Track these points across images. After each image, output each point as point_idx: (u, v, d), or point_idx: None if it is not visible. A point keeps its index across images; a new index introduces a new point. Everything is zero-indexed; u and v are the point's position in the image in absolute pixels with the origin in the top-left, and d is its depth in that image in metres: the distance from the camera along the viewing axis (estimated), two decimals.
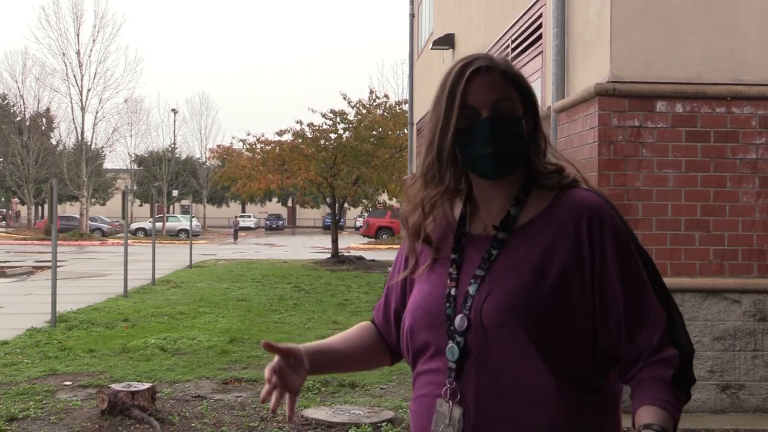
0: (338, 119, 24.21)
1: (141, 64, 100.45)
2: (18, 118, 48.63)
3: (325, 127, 24.31)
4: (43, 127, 48.95)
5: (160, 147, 58.23)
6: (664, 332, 1.58)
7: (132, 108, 51.29)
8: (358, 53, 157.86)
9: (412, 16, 19.96)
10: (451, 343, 1.60)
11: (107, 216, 56.21)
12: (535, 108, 1.70)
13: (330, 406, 6.32)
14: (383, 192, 26.38)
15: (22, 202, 55.45)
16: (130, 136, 53.04)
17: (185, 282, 17.28)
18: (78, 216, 45.60)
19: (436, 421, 1.59)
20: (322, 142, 24.19)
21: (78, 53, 43.87)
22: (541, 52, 7.98)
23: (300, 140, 24.28)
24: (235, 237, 46.98)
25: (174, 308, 12.55)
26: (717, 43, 6.14)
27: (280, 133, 24.99)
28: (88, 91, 43.69)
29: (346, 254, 26.22)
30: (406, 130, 22.38)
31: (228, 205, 68.37)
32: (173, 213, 63.42)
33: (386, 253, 30.61)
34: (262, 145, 25.56)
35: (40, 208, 61.80)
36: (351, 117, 24.32)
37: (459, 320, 1.60)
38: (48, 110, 49.74)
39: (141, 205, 62.56)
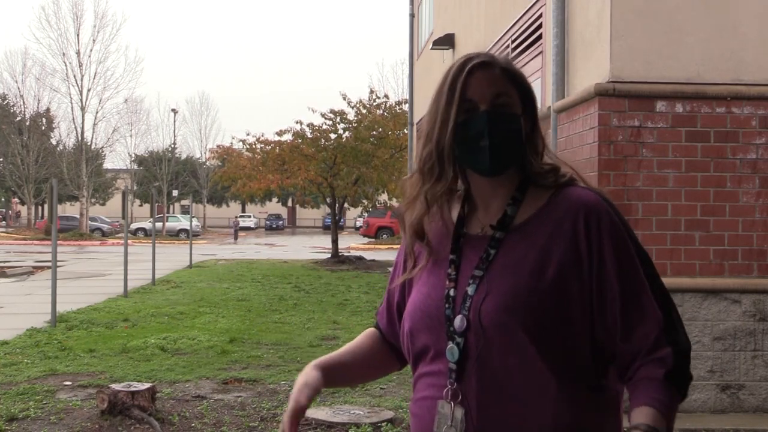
0: (338, 119, 24.21)
1: (141, 64, 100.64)
2: (18, 118, 48.63)
3: (325, 127, 24.31)
4: (43, 127, 48.95)
5: (160, 147, 58.31)
6: (661, 331, 1.58)
7: (132, 108, 51.36)
8: (358, 53, 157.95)
9: (412, 16, 19.96)
10: (450, 344, 1.60)
11: (107, 216, 56.21)
12: (534, 108, 1.70)
13: (330, 406, 6.32)
14: (383, 192, 26.38)
15: (22, 202, 55.47)
16: (130, 136, 53.12)
17: (185, 282, 17.28)
18: (78, 216, 45.60)
19: (438, 422, 1.59)
20: (322, 142, 24.19)
21: (78, 53, 43.91)
22: (541, 52, 7.99)
23: (300, 140, 24.28)
24: (236, 237, 46.98)
25: (174, 308, 12.55)
26: (717, 43, 6.14)
27: (280, 133, 25.00)
28: (88, 91, 43.73)
29: (346, 254, 26.22)
30: (406, 130, 22.38)
31: (228, 205, 68.38)
32: (173, 213, 63.42)
33: (386, 253, 30.61)
34: (262, 145, 25.56)
35: (40, 208, 61.80)
36: (351, 117, 24.33)
37: (458, 321, 1.60)
38: (48, 110, 49.78)
39: (141, 205, 62.56)
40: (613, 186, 5.96)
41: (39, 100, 49.16)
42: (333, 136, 24.22)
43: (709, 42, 6.14)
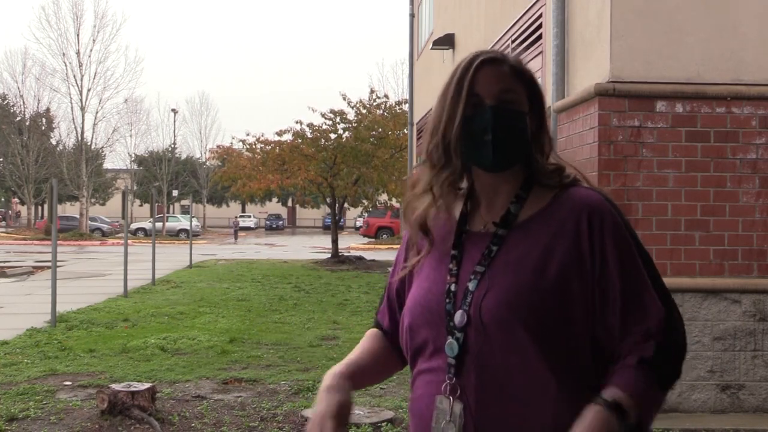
0: (338, 119, 24.21)
1: (141, 64, 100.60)
2: (18, 118, 48.63)
3: (325, 127, 24.31)
4: (43, 127, 48.94)
5: (160, 147, 58.30)
6: (656, 329, 1.57)
7: (132, 108, 51.35)
8: (358, 53, 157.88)
9: (412, 16, 19.97)
10: (450, 339, 1.60)
11: (107, 216, 56.22)
12: (542, 107, 1.71)
13: None
14: (383, 192, 26.38)
15: (22, 202, 55.46)
16: (130, 136, 53.10)
17: (185, 282, 17.28)
18: (78, 216, 45.60)
19: (436, 417, 1.59)
20: (322, 142, 24.18)
21: (78, 53, 43.89)
22: (541, 52, 7.98)
23: (300, 140, 24.28)
24: (236, 237, 46.99)
25: (174, 308, 12.55)
26: (717, 43, 6.14)
27: (280, 133, 25.00)
28: (88, 91, 43.72)
29: (346, 254, 26.23)
30: (406, 130, 22.38)
31: (228, 205, 68.38)
32: (173, 213, 63.42)
33: (386, 253, 30.61)
34: (262, 145, 25.56)
35: (40, 208, 61.81)
36: (351, 117, 24.33)
37: (459, 316, 1.60)
38: (48, 110, 49.77)
39: (141, 205, 62.58)
40: (613, 186, 5.96)
41: (39, 100, 49.23)
42: (333, 136, 24.22)
43: (709, 42, 6.14)
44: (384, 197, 27.93)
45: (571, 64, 7.00)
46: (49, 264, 12.69)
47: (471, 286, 1.61)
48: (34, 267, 21.73)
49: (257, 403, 6.46)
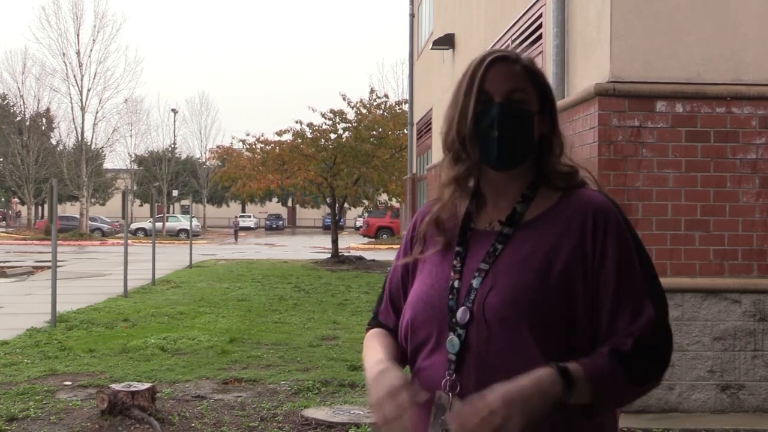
0: (338, 119, 24.20)
1: (141, 64, 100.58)
2: (18, 118, 48.63)
3: (324, 127, 24.31)
4: (43, 127, 48.94)
5: (160, 147, 58.32)
6: (641, 333, 1.56)
7: (132, 108, 51.35)
8: (358, 53, 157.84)
9: (412, 16, 19.98)
10: (451, 335, 1.60)
11: (107, 216, 56.22)
12: (553, 109, 1.72)
13: (330, 406, 6.33)
14: (383, 192, 26.38)
15: (22, 202, 55.46)
16: (130, 136, 53.11)
17: (185, 282, 17.28)
18: (78, 216, 45.61)
19: (435, 412, 1.59)
20: (322, 142, 24.18)
21: (78, 53, 43.89)
22: (541, 52, 7.98)
23: (300, 140, 24.28)
24: (236, 237, 47.00)
25: (174, 308, 12.55)
26: (717, 43, 6.14)
27: (280, 133, 24.99)
28: (88, 91, 43.72)
29: (346, 254, 26.22)
30: (406, 130, 22.39)
31: (228, 205, 68.40)
32: (173, 213, 63.44)
33: (386, 253, 30.61)
34: (262, 145, 25.56)
35: (40, 208, 61.80)
36: (350, 117, 24.32)
37: (461, 313, 1.61)
38: (48, 110, 49.77)
39: (141, 205, 62.57)
40: (613, 186, 5.96)
41: (39, 100, 49.23)
42: (333, 136, 24.21)
43: (709, 42, 6.13)
44: (384, 197, 27.92)
45: (571, 64, 7.00)
46: (49, 264, 12.69)
47: (475, 283, 1.62)
48: (34, 267, 21.73)
49: (257, 403, 6.46)
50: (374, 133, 24.04)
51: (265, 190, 25.57)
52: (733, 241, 6.08)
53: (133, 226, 48.91)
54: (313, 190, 25.76)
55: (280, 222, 70.08)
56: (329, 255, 25.76)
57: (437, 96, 15.38)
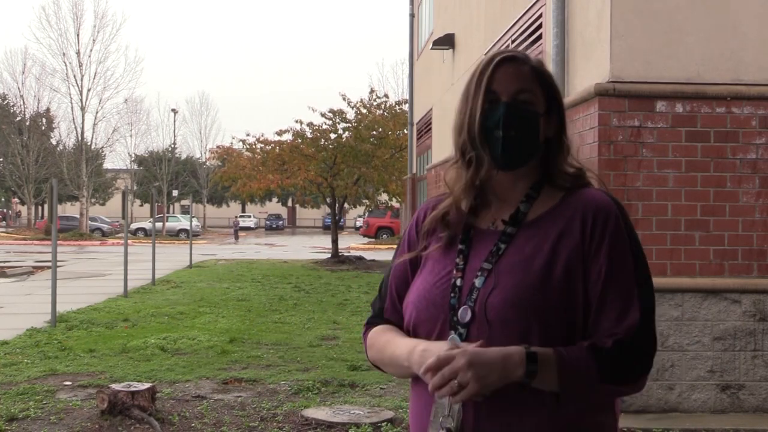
0: (338, 119, 24.21)
1: (141, 64, 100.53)
2: (18, 118, 48.63)
3: (324, 127, 24.32)
4: (43, 127, 48.94)
5: (160, 147, 58.30)
6: (623, 335, 1.56)
7: (132, 108, 51.34)
8: (358, 53, 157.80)
9: (412, 16, 19.97)
10: (453, 334, 1.60)
11: (107, 216, 56.22)
12: (561, 111, 1.72)
13: (330, 406, 6.32)
14: (383, 192, 26.39)
15: (22, 202, 55.46)
16: (130, 136, 53.10)
17: (185, 282, 17.28)
18: (78, 216, 45.61)
19: (435, 412, 1.59)
20: (322, 141, 24.19)
21: (78, 53, 43.89)
22: (541, 52, 7.98)
23: (300, 140, 24.28)
24: (236, 237, 47.01)
25: (174, 308, 12.55)
26: (717, 43, 6.14)
27: (280, 133, 25.00)
28: (88, 91, 43.72)
29: (346, 254, 26.23)
30: (406, 130, 22.38)
31: (228, 205, 68.40)
32: (173, 213, 63.44)
33: (386, 253, 30.59)
34: (262, 145, 25.57)
35: (40, 208, 61.80)
36: (350, 117, 24.32)
37: (462, 312, 1.61)
38: (48, 110, 49.77)
39: (141, 205, 62.57)
40: (613, 186, 5.95)
41: (39, 100, 49.22)
42: (333, 136, 24.22)
43: (709, 42, 6.13)
44: (384, 197, 27.92)
45: (571, 64, 7.00)
46: (49, 264, 12.69)
47: (477, 282, 1.62)
48: (34, 267, 21.73)
49: (257, 403, 6.46)
50: (374, 133, 24.04)
51: (265, 190, 25.58)
52: (733, 241, 6.08)
53: (133, 226, 48.91)
54: (313, 190, 25.77)
55: (280, 222, 70.07)
56: (329, 255, 25.77)
57: (437, 96, 15.38)
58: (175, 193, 56.91)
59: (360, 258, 24.85)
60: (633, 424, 5.60)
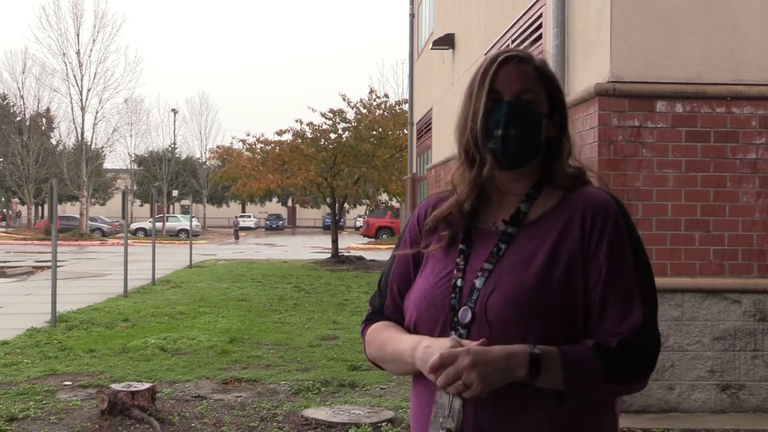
0: (338, 119, 24.21)
1: (141, 64, 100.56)
2: (18, 118, 48.62)
3: (324, 127, 24.32)
4: (43, 127, 48.94)
5: (160, 147, 58.30)
6: (626, 336, 1.56)
7: (132, 108, 51.34)
8: (358, 53, 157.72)
9: (412, 16, 19.97)
10: (453, 335, 1.60)
11: (107, 216, 56.22)
12: (564, 112, 1.72)
13: (330, 406, 6.32)
14: (383, 192, 26.38)
15: (22, 202, 55.45)
16: (130, 136, 53.09)
17: (185, 282, 17.28)
18: (78, 216, 45.60)
19: (435, 412, 1.59)
20: (322, 141, 24.18)
21: (78, 53, 43.88)
22: (541, 52, 7.98)
23: (300, 140, 24.28)
24: (236, 237, 47.01)
25: (174, 308, 12.55)
26: (717, 43, 6.14)
27: (280, 133, 25.00)
28: (88, 91, 43.71)
29: (346, 254, 26.23)
30: (406, 130, 22.38)
31: (228, 205, 68.40)
32: (173, 213, 63.43)
33: (386, 253, 30.58)
34: (262, 145, 25.56)
35: (40, 208, 61.81)
36: (350, 117, 24.32)
37: (462, 312, 1.61)
38: (48, 110, 49.77)
39: (141, 205, 62.57)
40: (613, 186, 5.95)
41: (39, 100, 49.22)
42: (333, 136, 24.22)
43: (709, 42, 6.13)
44: (384, 197, 27.91)
45: (571, 64, 7.00)
46: (49, 264, 12.69)
47: (478, 283, 1.62)
48: (34, 267, 21.73)
49: (257, 403, 6.46)
50: (374, 133, 24.04)
51: (265, 190, 25.58)
52: (733, 241, 6.08)
53: (133, 226, 48.91)
54: (313, 190, 25.77)
55: (280, 222, 70.07)
56: (329, 255, 25.77)
57: (437, 96, 15.38)
58: (175, 193, 56.91)
59: (360, 258, 24.85)
60: (633, 424, 5.60)
